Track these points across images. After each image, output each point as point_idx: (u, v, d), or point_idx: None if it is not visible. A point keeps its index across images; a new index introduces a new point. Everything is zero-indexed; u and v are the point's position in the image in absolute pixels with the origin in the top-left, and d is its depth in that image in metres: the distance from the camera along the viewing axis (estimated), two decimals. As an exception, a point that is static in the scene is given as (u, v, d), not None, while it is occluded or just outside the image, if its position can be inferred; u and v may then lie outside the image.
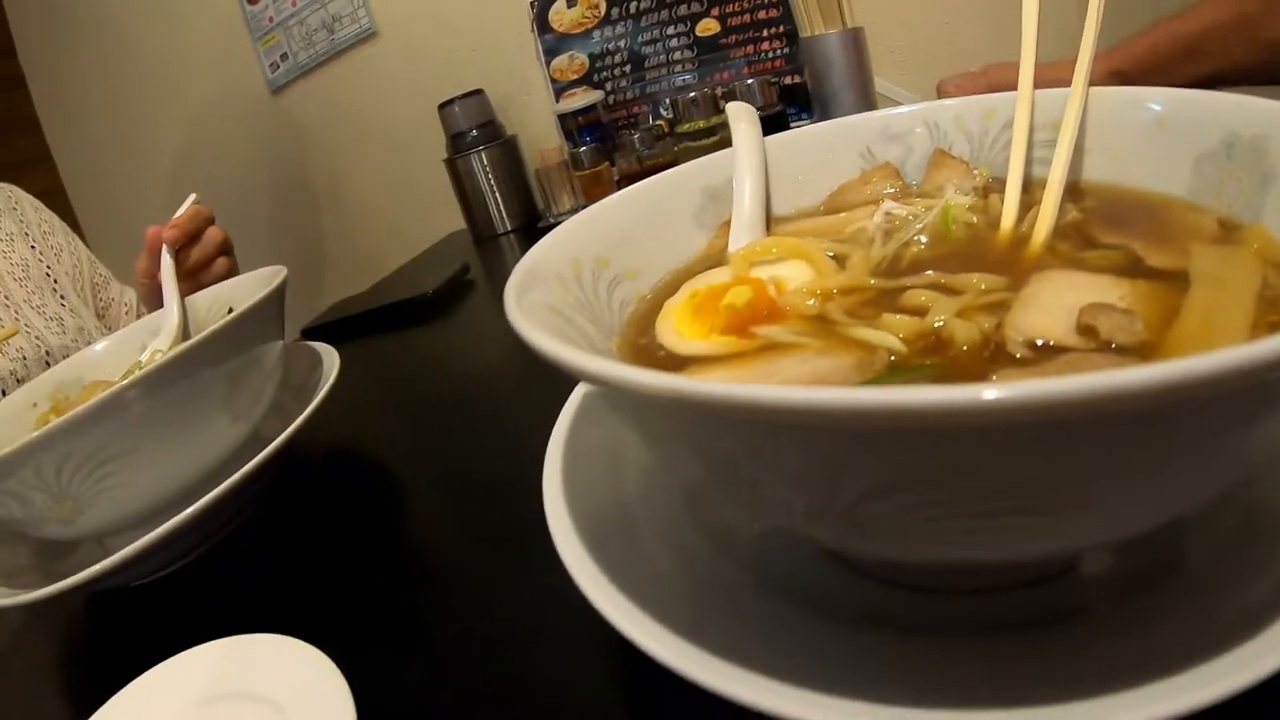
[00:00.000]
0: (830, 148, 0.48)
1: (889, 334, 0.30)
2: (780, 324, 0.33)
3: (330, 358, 0.76)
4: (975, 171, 0.45)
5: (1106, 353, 0.27)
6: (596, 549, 0.32)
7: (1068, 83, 0.41)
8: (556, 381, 0.34)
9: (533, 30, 1.71)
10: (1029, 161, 0.42)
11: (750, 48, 1.57)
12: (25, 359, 1.00)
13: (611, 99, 1.68)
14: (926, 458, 0.19)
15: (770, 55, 1.55)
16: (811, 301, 0.34)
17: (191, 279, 0.98)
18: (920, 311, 0.31)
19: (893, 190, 0.46)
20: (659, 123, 1.56)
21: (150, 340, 0.81)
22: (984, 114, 0.45)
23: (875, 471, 0.20)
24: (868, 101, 1.19)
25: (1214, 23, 0.80)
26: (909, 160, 0.47)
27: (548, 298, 0.33)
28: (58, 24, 2.41)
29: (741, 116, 0.48)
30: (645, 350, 0.35)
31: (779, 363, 0.30)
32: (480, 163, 1.61)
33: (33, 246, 1.14)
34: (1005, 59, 0.47)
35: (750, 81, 1.28)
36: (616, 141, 1.48)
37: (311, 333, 1.17)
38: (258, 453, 0.60)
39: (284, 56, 2.11)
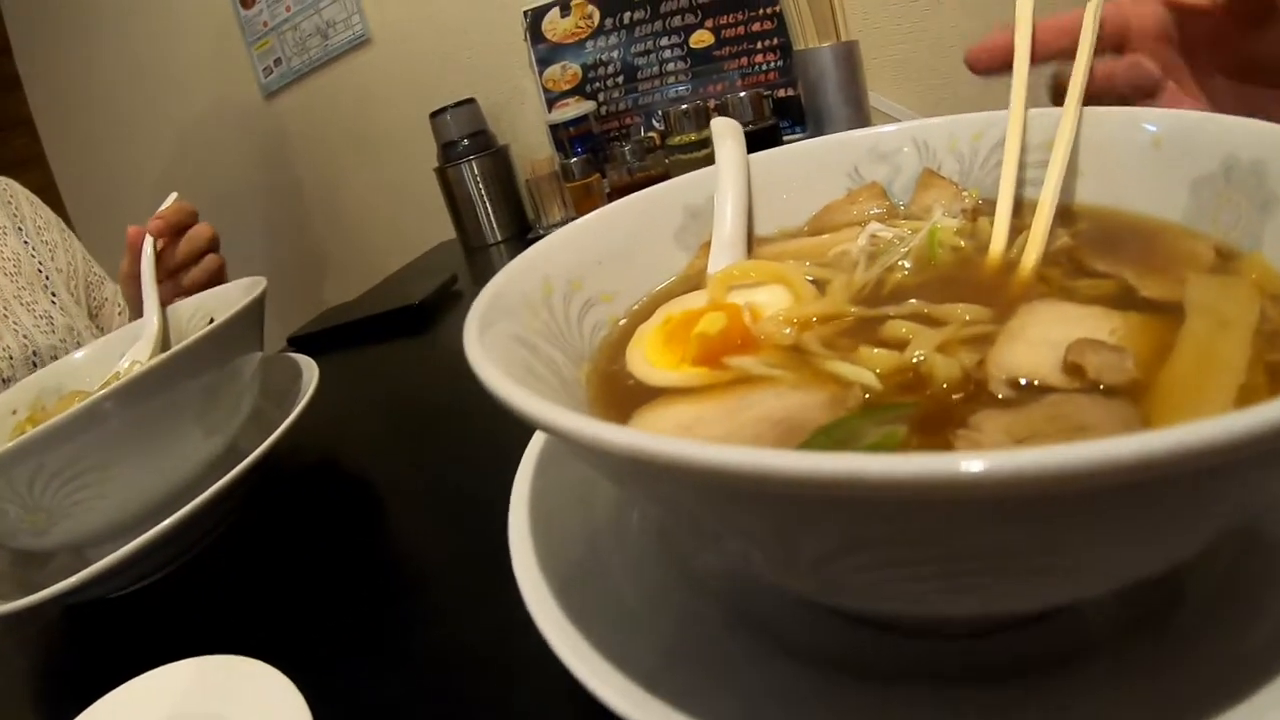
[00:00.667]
0: (817, 166, 0.47)
1: (865, 369, 0.28)
2: (754, 354, 0.32)
3: (310, 370, 0.75)
4: (964, 193, 0.43)
5: (1093, 394, 0.25)
6: (562, 589, 0.31)
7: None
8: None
9: (526, 39, 1.70)
10: (1020, 183, 0.41)
11: (744, 60, 1.56)
12: (12, 358, 0.98)
13: (604, 110, 1.67)
14: (884, 523, 0.18)
15: (764, 68, 1.54)
16: (787, 330, 0.33)
17: (179, 277, 0.96)
18: (900, 344, 0.29)
19: (879, 211, 0.44)
20: (651, 134, 1.55)
21: (131, 347, 0.80)
22: (974, 134, 0.44)
23: (831, 533, 0.19)
24: (862, 115, 1.18)
25: None
26: (897, 180, 0.46)
27: (513, 327, 0.31)
28: (54, 26, 2.41)
29: (726, 133, 0.47)
30: (615, 378, 0.34)
31: (749, 397, 0.29)
32: (471, 172, 1.60)
33: (25, 241, 1.12)
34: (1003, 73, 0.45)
35: (743, 94, 1.26)
36: (608, 153, 1.47)
37: (297, 341, 1.16)
38: (235, 465, 0.59)
39: (277, 61, 2.10)
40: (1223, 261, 0.32)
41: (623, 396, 0.33)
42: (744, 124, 0.47)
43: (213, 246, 0.99)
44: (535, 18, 1.68)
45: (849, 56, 1.15)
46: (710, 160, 0.46)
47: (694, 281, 0.41)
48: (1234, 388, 0.24)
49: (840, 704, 0.27)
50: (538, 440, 0.40)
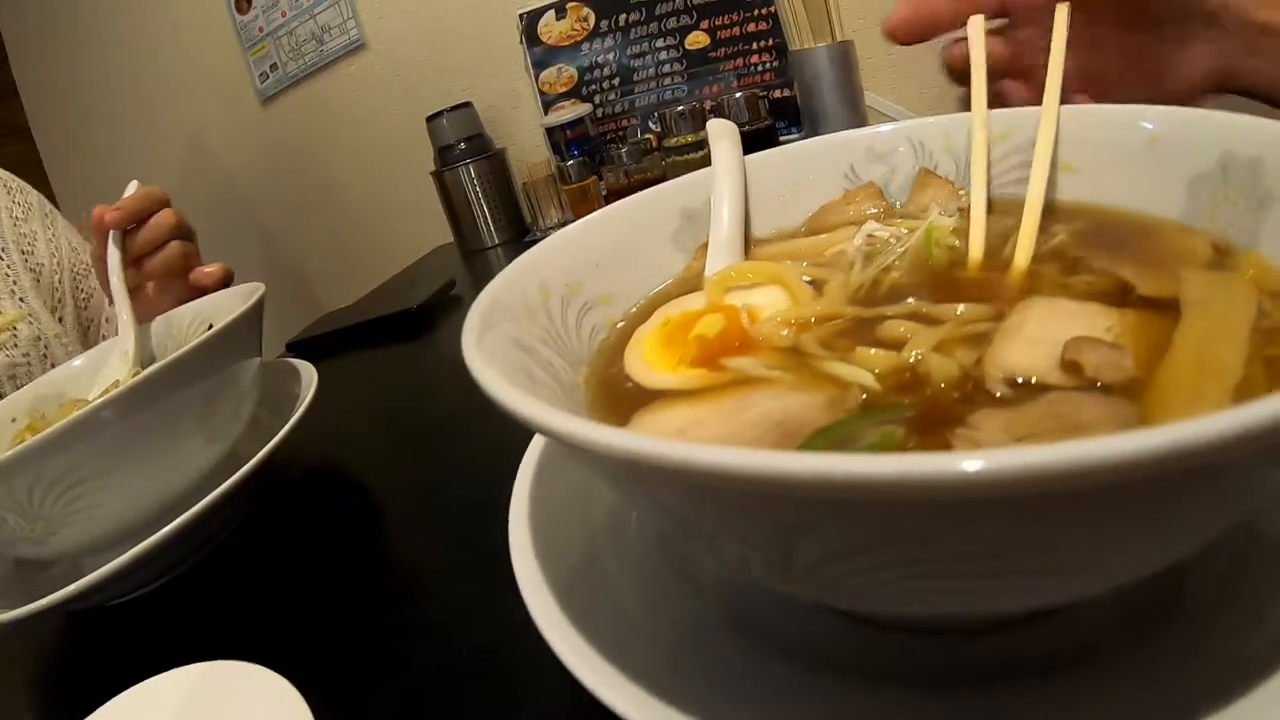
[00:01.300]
0: (813, 167, 0.47)
1: (863, 370, 0.28)
2: (752, 356, 0.32)
3: (309, 375, 0.75)
4: (961, 192, 0.43)
5: (1092, 392, 0.25)
6: (562, 593, 0.31)
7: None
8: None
9: (521, 42, 1.70)
10: (1013, 182, 0.41)
11: (739, 61, 1.56)
12: None
13: (600, 112, 1.66)
14: (883, 524, 0.18)
15: (760, 68, 1.55)
16: (785, 332, 0.33)
17: (142, 264, 0.91)
18: (898, 344, 0.29)
19: (876, 211, 0.44)
20: (647, 136, 1.55)
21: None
22: (970, 133, 0.44)
23: (829, 535, 0.19)
24: (858, 115, 1.18)
25: None
26: (893, 180, 0.46)
27: (512, 331, 0.31)
28: (49, 34, 2.41)
29: (722, 134, 0.47)
30: (614, 381, 0.34)
31: (748, 398, 0.29)
32: (468, 175, 1.59)
33: None
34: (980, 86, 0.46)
35: (739, 95, 1.26)
36: (604, 155, 1.47)
37: (296, 347, 1.16)
38: (235, 472, 0.58)
39: (273, 67, 2.10)
40: (1220, 258, 0.32)
41: (621, 400, 0.33)
42: (740, 125, 0.46)
43: (179, 234, 0.93)
44: (531, 20, 1.68)
45: (844, 56, 1.15)
46: (707, 161, 0.46)
47: (691, 284, 0.41)
48: (1232, 384, 0.24)
49: (840, 705, 0.27)
50: (536, 444, 0.40)
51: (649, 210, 0.44)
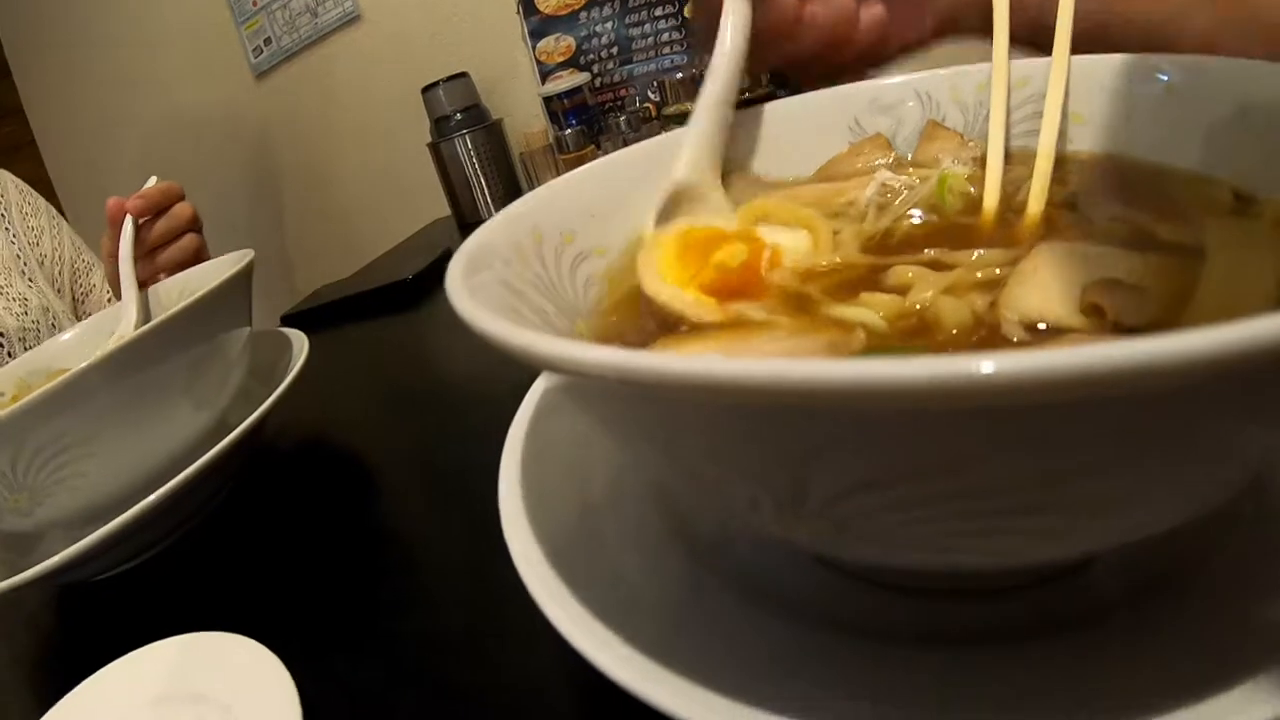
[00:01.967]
0: (816, 119, 0.45)
1: (868, 310, 0.27)
2: (756, 299, 0.30)
3: (300, 343, 0.73)
4: (970, 142, 0.42)
5: (1115, 335, 0.24)
6: (557, 559, 0.29)
7: None
8: (533, 369, 0.31)
9: (518, 12, 1.68)
10: (1023, 134, 0.40)
11: (740, 28, 1.53)
12: None
13: (598, 81, 1.64)
14: (904, 445, 0.16)
15: (761, 36, 1.52)
16: (793, 278, 0.31)
17: (156, 256, 0.94)
18: (905, 289, 0.28)
19: (886, 161, 0.43)
20: (646, 105, 1.53)
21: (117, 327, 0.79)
22: (978, 84, 0.43)
23: (850, 462, 0.18)
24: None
25: None
26: (900, 133, 0.44)
27: (502, 273, 0.30)
28: (41, 11, 2.38)
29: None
30: (612, 330, 0.33)
31: (749, 341, 0.27)
32: (465, 147, 1.58)
33: (7, 228, 1.11)
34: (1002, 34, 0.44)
35: (739, 63, 1.24)
36: (603, 124, 1.45)
37: (290, 319, 1.15)
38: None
39: (267, 41, 2.08)
40: (1241, 205, 0.31)
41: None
42: (740, 92, 0.44)
43: (193, 227, 0.97)
44: (528, -11, 1.66)
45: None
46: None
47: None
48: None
49: (848, 667, 0.26)
50: (525, 410, 0.39)
51: (647, 161, 0.42)
